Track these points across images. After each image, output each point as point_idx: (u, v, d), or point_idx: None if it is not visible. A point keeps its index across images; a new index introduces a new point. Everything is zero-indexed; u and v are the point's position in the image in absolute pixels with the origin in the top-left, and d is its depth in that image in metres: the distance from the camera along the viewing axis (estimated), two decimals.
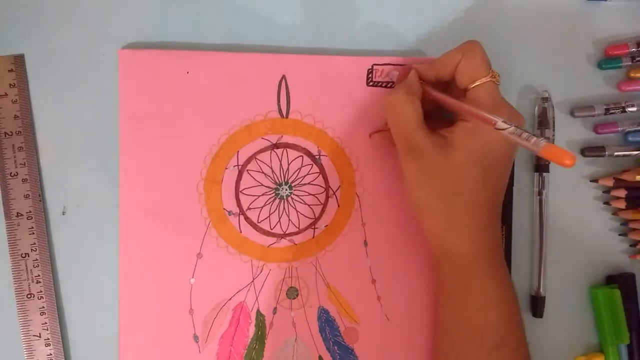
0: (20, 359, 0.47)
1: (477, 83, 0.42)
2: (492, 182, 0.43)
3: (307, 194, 0.49)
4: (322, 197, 0.49)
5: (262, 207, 0.48)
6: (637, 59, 0.49)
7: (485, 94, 0.42)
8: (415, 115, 0.42)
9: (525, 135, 0.37)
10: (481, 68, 0.43)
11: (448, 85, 0.45)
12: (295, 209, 0.48)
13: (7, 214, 0.47)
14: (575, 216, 0.50)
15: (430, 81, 0.45)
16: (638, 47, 0.49)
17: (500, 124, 0.38)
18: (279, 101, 0.48)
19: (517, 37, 0.50)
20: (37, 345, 0.47)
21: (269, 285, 0.48)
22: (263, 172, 0.48)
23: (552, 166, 0.50)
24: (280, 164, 0.48)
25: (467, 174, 0.42)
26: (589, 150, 0.50)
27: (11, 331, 0.47)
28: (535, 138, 0.36)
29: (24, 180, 0.47)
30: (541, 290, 0.49)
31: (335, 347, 0.48)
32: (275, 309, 0.48)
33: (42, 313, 0.47)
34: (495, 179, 0.43)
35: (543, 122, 0.49)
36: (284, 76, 0.48)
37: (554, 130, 0.49)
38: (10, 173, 0.47)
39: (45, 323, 0.47)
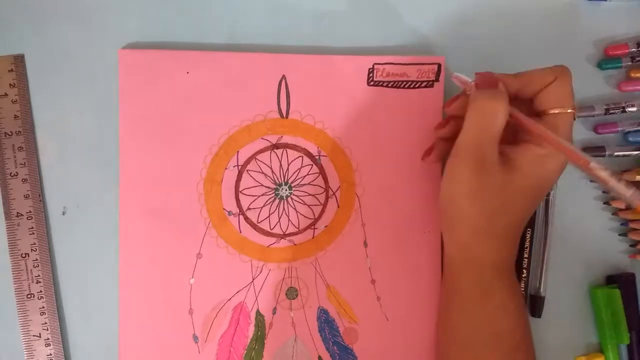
0: (20, 359, 0.47)
1: (558, 111, 0.42)
2: (535, 206, 0.44)
3: (306, 194, 0.49)
4: (322, 198, 0.49)
5: (261, 208, 0.48)
6: (637, 58, 0.49)
7: (563, 125, 0.42)
8: (496, 130, 0.41)
9: (622, 183, 0.37)
10: (569, 97, 0.42)
11: (519, 101, 0.44)
12: (295, 209, 0.48)
13: (7, 214, 0.47)
14: (575, 216, 0.50)
15: (509, 94, 0.43)
16: (638, 47, 0.49)
17: (594, 165, 0.38)
18: (279, 101, 0.48)
19: (517, 37, 0.50)
20: (37, 345, 0.47)
21: (269, 285, 0.48)
22: (263, 173, 0.48)
23: None
24: (280, 164, 0.48)
25: (521, 199, 0.42)
26: (589, 150, 0.50)
27: (11, 331, 0.47)
28: (633, 190, 0.36)
29: (24, 180, 0.47)
30: (541, 290, 0.49)
31: (335, 347, 0.48)
32: (274, 309, 0.48)
33: (42, 313, 0.47)
34: (538, 203, 0.45)
35: None
36: (284, 76, 0.48)
37: None
38: (10, 173, 0.47)
39: (45, 323, 0.47)
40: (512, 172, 0.42)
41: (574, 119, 0.43)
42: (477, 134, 0.41)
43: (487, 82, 0.43)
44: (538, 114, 0.43)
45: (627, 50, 0.49)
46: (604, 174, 0.37)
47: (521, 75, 0.43)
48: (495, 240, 0.43)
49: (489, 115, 0.41)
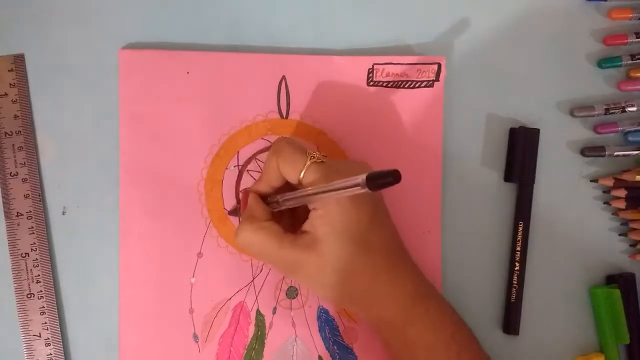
0: (20, 359, 0.47)
1: (302, 173, 0.41)
2: (376, 245, 0.42)
3: None
4: None
5: None
6: (637, 57, 0.49)
7: (314, 178, 0.41)
8: (270, 239, 0.41)
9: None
10: (297, 158, 0.41)
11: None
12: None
13: (7, 214, 0.47)
14: (575, 216, 0.50)
15: (272, 193, 0.44)
16: (637, 37, 0.49)
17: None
18: (279, 102, 0.48)
19: (517, 37, 0.50)
20: (37, 345, 0.47)
21: (269, 284, 0.48)
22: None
23: (549, 166, 0.50)
24: None
25: (346, 257, 0.41)
26: (589, 150, 0.50)
27: (11, 331, 0.47)
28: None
29: (24, 180, 0.47)
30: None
31: (335, 347, 0.48)
32: (275, 308, 0.48)
33: (42, 313, 0.47)
34: (376, 240, 0.42)
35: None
36: (284, 77, 0.48)
37: None
38: (10, 173, 0.47)
39: (45, 323, 0.47)
40: (317, 246, 0.41)
41: (321, 160, 0.41)
42: (264, 258, 0.45)
43: (246, 201, 0.44)
44: (298, 186, 0.42)
45: (626, 40, 0.49)
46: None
47: (261, 175, 0.44)
48: (381, 297, 0.42)
49: (248, 244, 0.42)
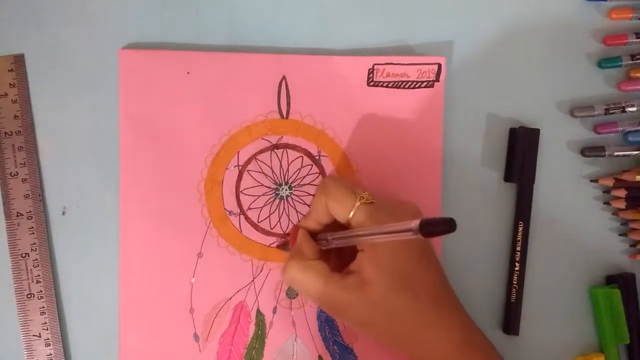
0: (20, 359, 0.47)
1: (352, 213, 0.42)
2: (423, 289, 0.42)
3: (307, 194, 0.49)
4: None
5: (262, 207, 0.48)
6: (637, 57, 0.49)
7: (364, 218, 0.41)
8: (317, 279, 0.42)
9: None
10: (346, 199, 0.42)
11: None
12: (295, 209, 0.48)
13: (7, 214, 0.47)
14: (575, 216, 0.50)
15: (320, 230, 0.45)
16: (637, 38, 0.49)
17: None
18: (279, 102, 0.48)
19: (517, 37, 0.50)
20: (37, 345, 0.47)
21: (269, 284, 0.48)
22: (263, 173, 0.48)
23: (549, 166, 0.50)
24: (281, 164, 0.48)
25: (393, 301, 0.41)
26: (589, 150, 0.50)
27: (11, 331, 0.47)
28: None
29: (24, 180, 0.47)
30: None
31: (335, 347, 0.48)
32: (275, 308, 0.48)
33: (42, 313, 0.47)
34: (424, 284, 0.42)
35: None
36: (284, 77, 0.48)
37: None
38: (10, 173, 0.47)
39: (45, 323, 0.47)
40: (365, 288, 0.41)
41: (370, 201, 0.42)
42: (309, 297, 0.44)
43: (292, 239, 0.45)
44: (347, 226, 0.43)
45: (626, 41, 0.49)
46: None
47: (309, 212, 0.45)
48: (425, 345, 0.42)
49: (295, 282, 0.43)
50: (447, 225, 0.33)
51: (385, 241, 0.39)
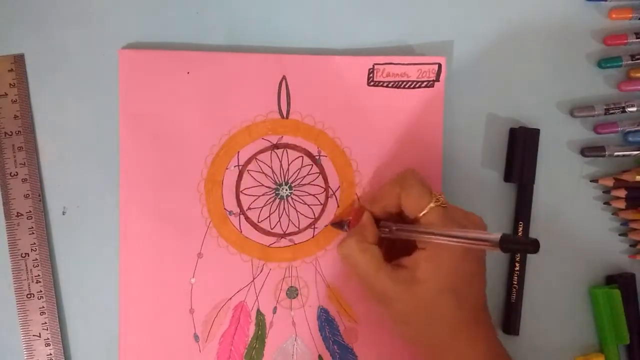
0: (20, 359, 0.47)
1: (424, 212, 0.42)
2: (468, 300, 0.42)
3: (307, 194, 0.49)
4: (322, 197, 0.49)
5: (262, 207, 0.48)
6: (637, 57, 0.49)
7: (434, 220, 0.42)
8: (372, 263, 0.42)
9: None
10: (423, 197, 0.42)
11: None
12: (295, 209, 0.48)
13: (7, 214, 0.47)
14: (575, 216, 0.50)
15: (380, 216, 0.45)
16: (637, 38, 0.49)
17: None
18: (279, 102, 0.48)
19: (517, 37, 0.50)
20: (37, 345, 0.47)
21: (269, 284, 0.48)
22: (263, 173, 0.48)
23: (549, 166, 0.50)
24: (281, 164, 0.48)
25: (439, 305, 0.41)
26: (589, 150, 0.50)
27: (11, 331, 0.47)
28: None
29: (24, 180, 0.47)
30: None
31: (335, 347, 0.48)
32: (275, 308, 0.48)
33: (42, 313, 0.47)
34: (470, 296, 0.42)
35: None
36: (284, 76, 0.48)
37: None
38: (10, 173, 0.47)
39: (45, 323, 0.47)
40: (414, 286, 0.41)
41: (445, 205, 0.42)
42: (358, 277, 0.44)
43: (358, 217, 0.45)
44: (413, 221, 0.43)
45: (626, 41, 0.49)
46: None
47: (376, 197, 0.45)
48: (454, 354, 0.42)
49: (351, 259, 0.43)
50: (529, 246, 0.33)
51: (452, 245, 0.40)
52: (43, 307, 0.47)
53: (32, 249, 0.47)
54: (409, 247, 0.43)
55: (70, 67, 0.48)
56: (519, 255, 0.49)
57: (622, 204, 0.50)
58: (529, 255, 0.49)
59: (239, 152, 0.48)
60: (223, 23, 0.49)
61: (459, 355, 0.42)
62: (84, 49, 0.48)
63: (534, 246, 0.33)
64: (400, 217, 0.44)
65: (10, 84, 0.47)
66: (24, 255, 0.47)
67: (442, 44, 0.50)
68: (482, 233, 0.36)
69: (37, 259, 0.47)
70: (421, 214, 0.42)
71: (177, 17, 0.48)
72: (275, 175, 0.48)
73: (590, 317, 0.50)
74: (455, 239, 0.38)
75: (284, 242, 0.48)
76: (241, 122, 0.48)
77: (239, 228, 0.48)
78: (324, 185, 0.49)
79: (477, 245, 0.36)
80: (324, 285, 0.48)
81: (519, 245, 0.33)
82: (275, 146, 0.48)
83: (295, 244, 0.48)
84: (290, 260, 0.48)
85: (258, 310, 0.48)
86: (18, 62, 0.48)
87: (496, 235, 0.34)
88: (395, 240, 0.44)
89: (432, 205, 0.42)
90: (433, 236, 0.40)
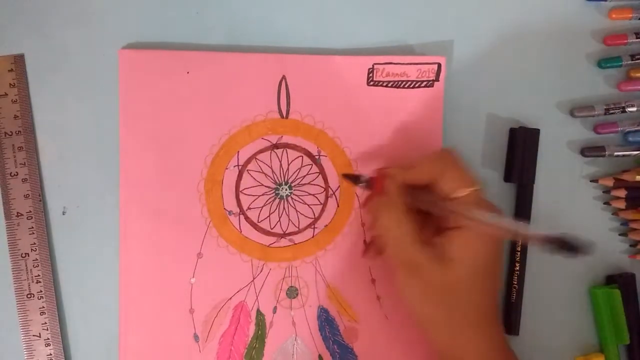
0: (20, 359, 0.47)
1: (464, 193, 0.42)
2: (491, 288, 0.43)
3: (306, 194, 0.49)
4: (322, 197, 0.49)
5: (262, 207, 0.48)
6: (637, 57, 0.49)
7: (471, 203, 0.42)
8: (409, 234, 0.42)
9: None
10: (467, 180, 0.42)
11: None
12: (295, 208, 0.48)
13: (7, 214, 0.47)
14: (575, 216, 0.50)
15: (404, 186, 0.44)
16: (637, 38, 0.49)
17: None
18: (279, 101, 0.48)
19: (517, 37, 0.50)
20: (37, 345, 0.47)
21: (269, 284, 0.48)
22: (263, 172, 0.48)
23: (549, 166, 0.50)
24: (280, 164, 0.48)
25: (468, 286, 0.41)
26: (589, 150, 0.50)
27: (11, 331, 0.47)
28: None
29: (24, 180, 0.47)
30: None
31: (335, 346, 0.48)
32: (275, 308, 0.48)
33: (42, 313, 0.47)
34: (492, 284, 0.43)
35: None
36: (284, 76, 0.48)
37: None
38: (10, 173, 0.47)
39: (45, 323, 0.47)
40: (448, 263, 0.41)
41: (482, 192, 0.42)
42: (394, 248, 0.43)
43: (380, 180, 0.44)
44: (444, 198, 0.43)
45: (626, 41, 0.49)
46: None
47: (410, 170, 0.44)
48: (472, 340, 0.42)
49: (390, 231, 0.43)
50: (584, 248, 0.34)
51: (483, 233, 0.40)
52: (43, 307, 0.47)
53: (32, 249, 0.47)
54: (439, 229, 0.43)
55: (70, 67, 0.48)
56: (519, 255, 0.49)
57: (622, 204, 0.50)
58: (529, 255, 0.49)
59: (238, 152, 0.48)
60: (223, 23, 0.49)
61: (464, 347, 0.42)
62: (84, 49, 0.48)
63: (588, 248, 0.34)
64: (423, 191, 0.44)
65: (10, 84, 0.47)
66: (24, 255, 0.47)
67: (442, 43, 0.50)
68: (541, 233, 0.36)
69: (37, 259, 0.47)
70: (460, 194, 0.42)
71: (177, 17, 0.49)
72: (275, 175, 0.48)
73: (590, 317, 0.50)
74: (511, 232, 0.39)
75: (284, 242, 0.48)
76: (241, 122, 0.48)
77: (238, 228, 0.48)
78: (323, 185, 0.49)
79: (528, 239, 0.37)
80: (324, 285, 0.48)
81: (574, 246, 0.34)
82: (275, 146, 0.48)
83: (295, 243, 0.48)
84: (290, 260, 0.48)
85: (258, 310, 0.48)
86: (18, 62, 0.48)
87: (555, 235, 0.35)
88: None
89: (477, 188, 0.42)
90: (493, 224, 0.40)
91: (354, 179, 0.47)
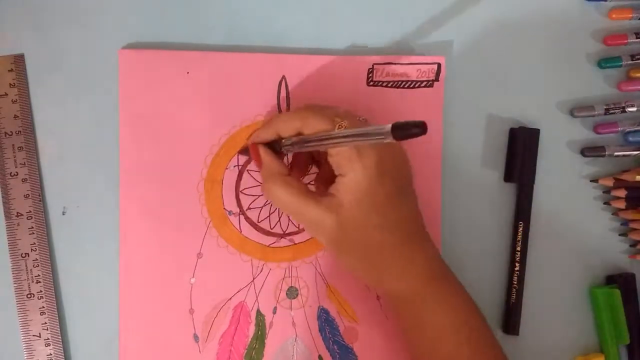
0: (20, 359, 0.47)
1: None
2: (394, 217, 0.42)
3: None
4: None
5: (262, 207, 0.48)
6: (637, 57, 0.49)
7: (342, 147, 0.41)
8: (296, 194, 0.42)
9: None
10: (323, 127, 0.41)
11: None
12: None
13: (7, 214, 0.47)
14: (575, 216, 0.50)
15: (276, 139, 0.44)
16: (637, 38, 0.49)
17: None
18: (279, 101, 0.48)
19: (516, 37, 0.50)
20: (37, 345, 0.47)
21: (269, 284, 0.48)
22: None
23: (549, 166, 0.50)
24: None
25: (365, 226, 0.41)
26: (589, 150, 0.50)
27: (11, 331, 0.47)
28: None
29: (24, 180, 0.47)
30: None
31: (335, 347, 0.48)
32: (275, 308, 0.48)
33: (42, 313, 0.47)
34: (395, 215, 0.42)
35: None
36: (284, 76, 0.48)
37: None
38: (10, 173, 0.47)
39: (45, 323, 0.47)
40: (339, 210, 0.41)
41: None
42: (287, 211, 0.45)
43: (254, 150, 0.45)
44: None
45: (626, 41, 0.49)
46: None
47: (271, 124, 0.44)
48: (395, 271, 0.42)
49: (274, 197, 0.43)
50: (418, 128, 0.33)
51: (367, 169, 0.40)
52: (43, 307, 0.47)
53: (32, 249, 0.47)
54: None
55: (70, 67, 0.48)
56: (519, 255, 0.49)
57: (622, 204, 0.50)
58: (529, 255, 0.49)
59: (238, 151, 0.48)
60: (223, 23, 0.49)
61: (398, 276, 0.42)
62: (84, 49, 0.48)
63: (422, 127, 0.32)
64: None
65: (10, 84, 0.47)
66: (24, 255, 0.47)
67: (442, 44, 0.50)
68: (373, 127, 0.35)
69: (37, 259, 0.47)
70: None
71: (177, 17, 0.48)
72: None
73: (590, 317, 0.50)
74: (352, 138, 0.38)
75: (283, 242, 0.48)
76: (241, 122, 0.48)
77: (238, 228, 0.48)
78: None
79: (374, 139, 0.36)
80: (324, 285, 0.48)
81: (408, 130, 0.33)
82: None
83: (295, 244, 0.48)
84: (290, 260, 0.48)
85: (258, 311, 0.48)
86: (18, 62, 0.48)
87: (388, 126, 0.34)
88: (325, 178, 0.44)
89: (339, 122, 0.41)
90: (330, 140, 0.40)
91: (246, 151, 0.47)
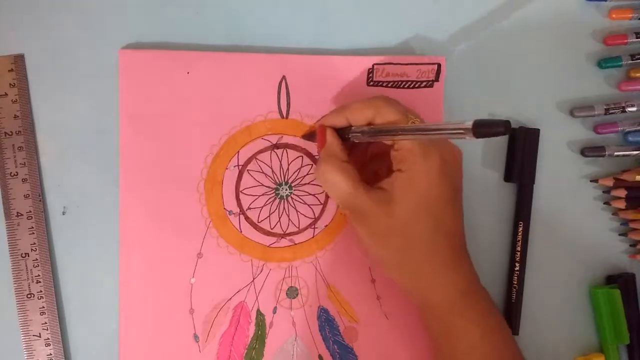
0: (20, 359, 0.47)
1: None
2: (445, 224, 0.42)
3: (307, 193, 0.49)
4: (322, 197, 0.49)
5: (262, 207, 0.48)
6: (637, 57, 0.49)
7: (411, 142, 0.41)
8: (349, 180, 0.42)
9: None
10: (396, 118, 0.42)
11: None
12: (295, 208, 0.48)
13: (7, 214, 0.47)
14: (575, 216, 0.50)
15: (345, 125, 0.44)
16: (637, 38, 0.49)
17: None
18: (279, 102, 0.48)
19: (516, 37, 0.50)
20: (37, 345, 0.47)
21: (269, 284, 0.48)
22: (263, 172, 0.48)
23: (549, 166, 0.50)
24: (280, 164, 0.48)
25: (415, 227, 0.41)
26: (589, 150, 0.50)
27: (11, 331, 0.47)
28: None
29: (24, 180, 0.47)
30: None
31: (335, 346, 0.48)
32: (275, 308, 0.48)
33: (42, 313, 0.47)
34: (447, 221, 0.42)
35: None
36: (284, 76, 0.48)
37: None
38: (10, 173, 0.47)
39: (45, 323, 0.47)
40: (391, 206, 0.41)
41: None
42: (336, 197, 0.44)
43: (321, 134, 0.45)
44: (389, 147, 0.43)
45: (626, 41, 0.49)
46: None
47: (345, 111, 0.44)
48: (433, 279, 0.42)
49: (327, 181, 0.43)
50: (501, 127, 0.32)
51: (429, 168, 0.40)
52: (43, 307, 0.47)
53: (32, 249, 0.47)
54: (386, 174, 0.43)
55: (70, 67, 0.48)
56: (519, 255, 0.49)
57: (622, 204, 0.50)
58: (529, 255, 0.49)
59: (238, 151, 0.48)
60: (223, 23, 0.49)
61: (435, 284, 0.42)
62: (84, 49, 0.48)
63: (507, 126, 0.31)
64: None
65: (10, 84, 0.47)
66: (24, 255, 0.47)
67: (442, 44, 0.50)
68: (454, 123, 0.34)
69: (37, 259, 0.47)
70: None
71: (177, 17, 0.48)
72: (275, 175, 0.48)
73: (590, 317, 0.50)
74: (430, 132, 0.37)
75: (284, 242, 0.48)
76: (241, 122, 0.48)
77: (238, 228, 0.48)
78: None
79: (449, 134, 0.35)
80: (324, 285, 0.48)
81: (491, 127, 0.31)
82: (275, 146, 0.48)
83: (295, 244, 0.48)
84: (290, 260, 0.48)
85: (258, 311, 0.48)
86: (18, 62, 0.48)
87: (469, 123, 0.33)
88: (372, 166, 0.44)
89: (411, 119, 0.42)
90: (403, 133, 0.40)
91: (311, 136, 0.47)
